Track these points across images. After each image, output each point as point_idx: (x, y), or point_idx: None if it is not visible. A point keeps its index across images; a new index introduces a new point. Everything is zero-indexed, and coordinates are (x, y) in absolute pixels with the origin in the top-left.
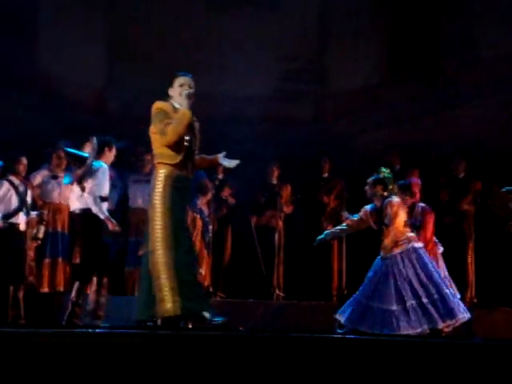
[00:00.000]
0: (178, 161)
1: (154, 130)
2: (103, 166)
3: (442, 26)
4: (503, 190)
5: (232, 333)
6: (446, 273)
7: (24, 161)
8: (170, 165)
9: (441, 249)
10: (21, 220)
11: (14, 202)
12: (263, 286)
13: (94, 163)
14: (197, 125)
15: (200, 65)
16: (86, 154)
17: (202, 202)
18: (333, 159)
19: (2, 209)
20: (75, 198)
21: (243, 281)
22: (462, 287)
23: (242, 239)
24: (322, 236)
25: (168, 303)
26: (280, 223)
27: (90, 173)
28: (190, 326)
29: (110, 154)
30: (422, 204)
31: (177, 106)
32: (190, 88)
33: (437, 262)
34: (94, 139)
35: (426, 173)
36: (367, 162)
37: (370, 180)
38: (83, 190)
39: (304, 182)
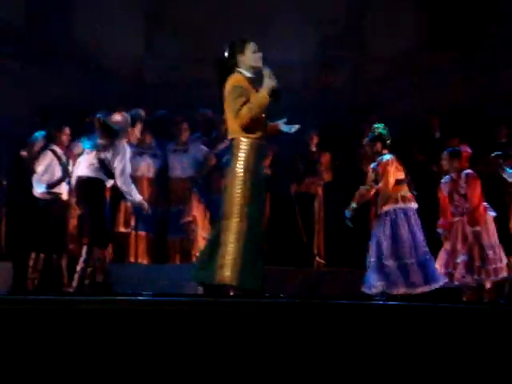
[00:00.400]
0: (262, 133)
1: (228, 107)
2: (125, 146)
3: None
4: (492, 155)
5: (274, 300)
6: (496, 239)
7: (67, 130)
8: (254, 137)
9: (493, 213)
10: (63, 190)
11: (58, 172)
12: (304, 254)
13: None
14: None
15: (237, 33)
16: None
17: None
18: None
19: (46, 179)
20: (85, 166)
21: (283, 248)
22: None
23: (282, 207)
24: (347, 216)
25: (227, 271)
26: (320, 191)
27: (119, 150)
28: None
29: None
30: (468, 170)
31: (248, 74)
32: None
33: (487, 227)
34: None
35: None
36: (407, 128)
37: (366, 140)
38: (100, 161)
39: (343, 149)
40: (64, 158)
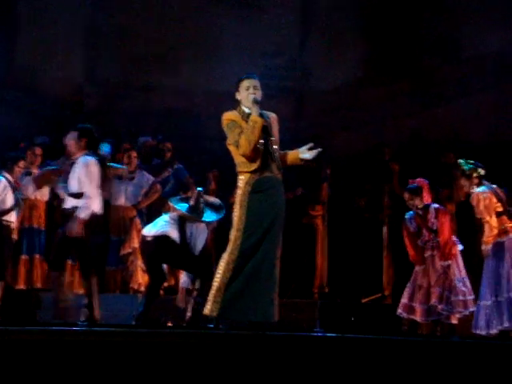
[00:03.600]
0: (256, 167)
1: (229, 141)
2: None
3: (424, 24)
4: None
5: (213, 331)
6: (464, 272)
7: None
8: (249, 172)
9: (460, 247)
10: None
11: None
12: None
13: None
14: (273, 119)
15: (183, 61)
16: None
17: None
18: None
19: None
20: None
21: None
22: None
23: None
24: None
25: (209, 303)
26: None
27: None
28: (170, 324)
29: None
30: (436, 205)
31: (247, 110)
32: (256, 90)
33: (457, 261)
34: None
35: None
36: (350, 161)
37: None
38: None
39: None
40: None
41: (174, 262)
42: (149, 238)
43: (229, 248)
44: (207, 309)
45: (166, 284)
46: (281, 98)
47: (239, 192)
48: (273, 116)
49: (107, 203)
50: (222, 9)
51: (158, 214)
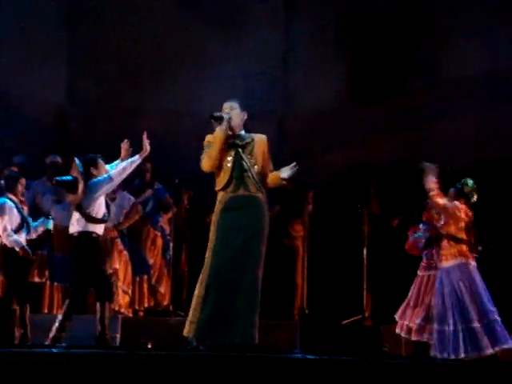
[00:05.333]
0: (224, 184)
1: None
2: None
3: (407, 46)
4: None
5: (192, 352)
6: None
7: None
8: (221, 190)
9: None
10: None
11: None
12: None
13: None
14: (258, 140)
15: (162, 83)
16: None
17: (163, 220)
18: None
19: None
20: (75, 221)
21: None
22: None
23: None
24: None
25: (187, 324)
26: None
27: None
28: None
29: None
30: None
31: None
32: (232, 110)
33: None
34: (77, 160)
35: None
36: (332, 182)
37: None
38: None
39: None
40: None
41: None
42: None
43: (203, 268)
44: (185, 330)
45: (146, 305)
46: (263, 120)
47: (214, 210)
48: (259, 137)
49: None
50: (205, 29)
51: (139, 234)
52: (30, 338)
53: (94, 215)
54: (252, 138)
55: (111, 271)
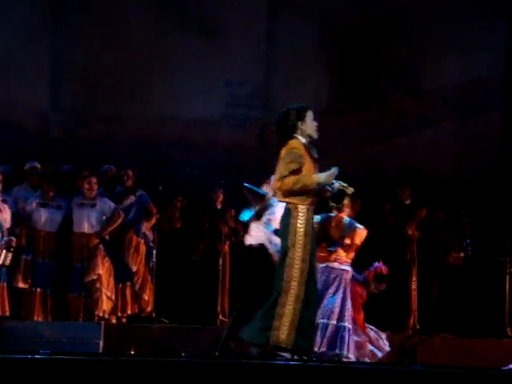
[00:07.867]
0: (311, 200)
1: (278, 169)
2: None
3: (386, 56)
4: None
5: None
6: None
7: None
8: (307, 204)
9: None
10: None
11: None
12: (207, 311)
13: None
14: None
15: (146, 89)
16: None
17: (146, 227)
18: None
19: None
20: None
21: (187, 306)
22: (405, 314)
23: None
24: None
25: (282, 334)
26: (226, 248)
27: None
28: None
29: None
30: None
31: (305, 141)
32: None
33: None
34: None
35: (372, 200)
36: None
37: None
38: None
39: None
40: None
41: None
42: None
43: (294, 277)
44: (282, 339)
45: (129, 312)
46: (245, 127)
47: (302, 221)
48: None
49: (68, 230)
50: (187, 37)
51: (121, 241)
52: None
53: None
54: None
55: (95, 277)
